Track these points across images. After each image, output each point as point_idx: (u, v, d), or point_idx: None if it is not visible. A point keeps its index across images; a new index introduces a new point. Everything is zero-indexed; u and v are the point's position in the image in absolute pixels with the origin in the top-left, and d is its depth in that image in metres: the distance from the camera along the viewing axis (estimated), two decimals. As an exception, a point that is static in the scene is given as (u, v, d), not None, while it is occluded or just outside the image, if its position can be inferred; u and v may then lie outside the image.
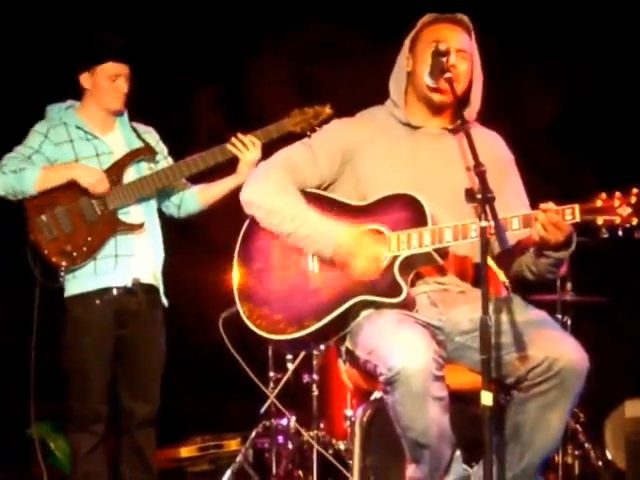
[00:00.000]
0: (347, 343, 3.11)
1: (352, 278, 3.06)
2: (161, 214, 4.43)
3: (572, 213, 2.89)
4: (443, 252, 3.05)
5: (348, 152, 3.22)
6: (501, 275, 3.23)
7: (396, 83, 3.27)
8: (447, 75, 3.04)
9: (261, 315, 3.14)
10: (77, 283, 4.21)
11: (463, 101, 3.18)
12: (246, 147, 4.16)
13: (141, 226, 4.22)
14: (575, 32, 5.59)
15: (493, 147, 3.24)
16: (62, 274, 4.17)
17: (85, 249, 4.16)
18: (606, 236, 2.90)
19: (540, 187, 3.17)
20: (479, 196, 2.75)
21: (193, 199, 4.39)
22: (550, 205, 2.91)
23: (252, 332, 3.15)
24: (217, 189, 4.35)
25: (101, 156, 4.25)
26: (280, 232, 3.15)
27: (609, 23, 5.56)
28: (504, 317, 2.97)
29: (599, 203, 2.89)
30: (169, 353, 4.37)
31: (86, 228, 4.17)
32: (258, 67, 5.75)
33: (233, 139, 4.18)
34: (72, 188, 4.17)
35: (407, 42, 3.26)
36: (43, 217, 4.16)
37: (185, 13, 5.69)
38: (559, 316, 5.10)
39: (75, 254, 4.16)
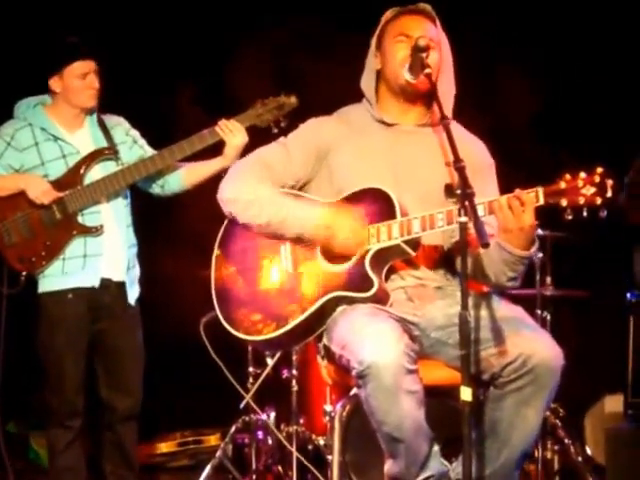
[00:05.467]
0: (324, 339, 3.12)
1: (326, 275, 3.06)
2: (140, 202, 4.40)
3: (536, 196, 2.85)
4: (414, 243, 3.05)
5: (323, 150, 3.22)
6: None
7: (367, 83, 3.28)
8: (427, 71, 3.02)
9: (239, 317, 3.15)
10: (47, 282, 4.22)
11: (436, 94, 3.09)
12: (231, 132, 4.16)
13: (97, 229, 4.19)
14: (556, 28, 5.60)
15: (472, 151, 3.15)
16: (22, 279, 4.17)
17: (43, 254, 4.17)
18: (570, 217, 2.83)
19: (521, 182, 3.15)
20: (458, 192, 2.75)
21: (178, 179, 4.34)
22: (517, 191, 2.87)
23: (231, 335, 3.16)
24: (203, 169, 4.30)
25: (68, 157, 4.22)
26: (259, 222, 3.15)
27: (592, 19, 5.58)
28: (480, 313, 2.97)
29: (563, 185, 2.83)
30: (148, 348, 4.37)
31: (45, 233, 4.17)
32: (239, 61, 5.74)
33: (220, 123, 4.15)
34: None
35: (373, 41, 3.27)
36: (4, 223, 4.17)
37: (165, 8, 5.67)
38: (539, 311, 5.09)
39: (34, 259, 4.17)
